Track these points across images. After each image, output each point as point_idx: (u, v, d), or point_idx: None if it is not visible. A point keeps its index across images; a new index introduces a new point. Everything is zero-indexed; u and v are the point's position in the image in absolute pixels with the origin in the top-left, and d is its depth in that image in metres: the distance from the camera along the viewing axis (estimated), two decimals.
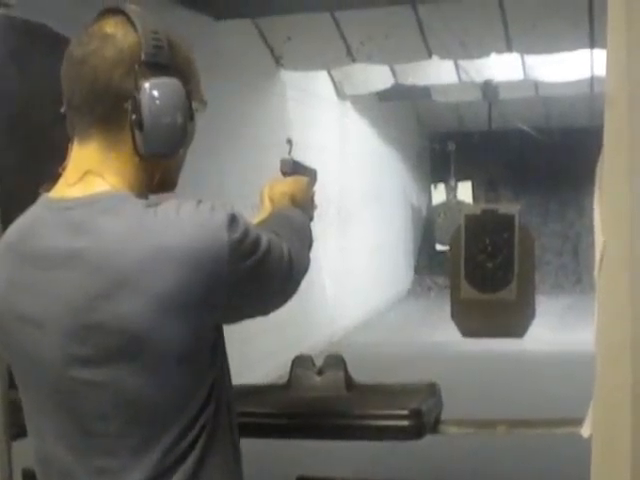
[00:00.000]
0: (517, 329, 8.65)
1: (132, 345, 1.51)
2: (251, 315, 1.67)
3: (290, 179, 2.02)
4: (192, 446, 1.58)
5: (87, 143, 1.60)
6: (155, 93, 1.56)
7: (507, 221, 8.85)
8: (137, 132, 1.56)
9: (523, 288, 8.63)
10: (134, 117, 1.56)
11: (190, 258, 1.50)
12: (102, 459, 1.58)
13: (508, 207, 9.42)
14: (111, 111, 1.57)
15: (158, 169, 1.64)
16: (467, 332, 8.90)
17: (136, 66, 1.56)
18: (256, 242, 1.58)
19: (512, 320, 8.66)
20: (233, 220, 1.54)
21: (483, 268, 8.87)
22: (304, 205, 1.98)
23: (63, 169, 1.64)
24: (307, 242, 1.84)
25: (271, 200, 1.94)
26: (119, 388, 1.54)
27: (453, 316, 8.99)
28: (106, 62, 1.55)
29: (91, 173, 1.59)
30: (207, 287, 1.51)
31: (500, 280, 8.74)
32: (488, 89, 11.14)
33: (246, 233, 1.56)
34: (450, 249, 9.53)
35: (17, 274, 1.59)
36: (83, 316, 1.52)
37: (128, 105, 1.56)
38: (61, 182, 1.64)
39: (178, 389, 1.56)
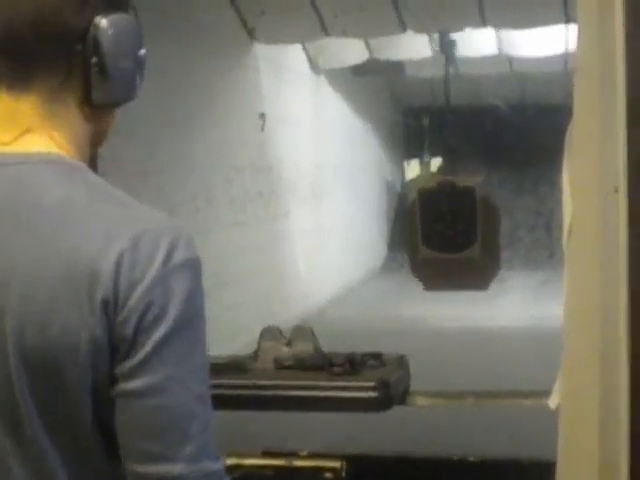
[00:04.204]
0: (480, 282, 8.11)
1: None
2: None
3: None
4: None
5: (23, 94, 1.35)
6: (115, 31, 1.34)
7: (467, 194, 8.03)
8: (97, 77, 1.34)
9: (487, 249, 8.00)
10: (94, 60, 1.33)
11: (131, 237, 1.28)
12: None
13: (468, 179, 8.43)
14: (59, 54, 1.33)
15: (102, 122, 1.42)
16: (429, 286, 8.36)
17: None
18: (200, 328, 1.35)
19: (475, 274, 8.08)
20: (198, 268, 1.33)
21: (442, 236, 8.21)
22: None
23: None
24: None
25: None
26: None
27: (413, 270, 8.43)
28: None
29: (31, 132, 1.36)
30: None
31: (461, 244, 8.11)
32: (444, 44, 10.16)
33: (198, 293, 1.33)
34: (407, 223, 8.94)
35: None
36: (27, 275, 1.28)
37: (82, 46, 1.33)
38: None
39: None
